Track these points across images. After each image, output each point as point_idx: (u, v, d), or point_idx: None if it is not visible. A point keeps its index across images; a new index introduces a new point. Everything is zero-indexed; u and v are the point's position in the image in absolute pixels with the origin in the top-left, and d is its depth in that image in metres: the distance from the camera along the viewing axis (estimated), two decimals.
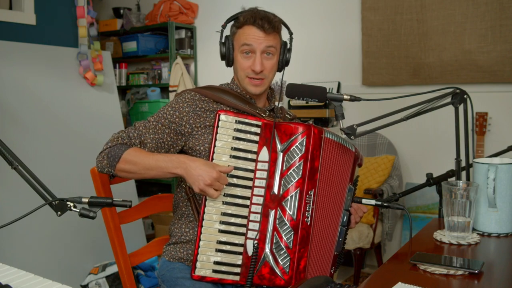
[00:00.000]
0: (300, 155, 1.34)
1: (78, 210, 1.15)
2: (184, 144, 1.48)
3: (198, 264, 1.36)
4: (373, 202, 1.56)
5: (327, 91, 1.50)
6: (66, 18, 3.22)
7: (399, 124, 1.55)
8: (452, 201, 1.37)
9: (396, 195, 1.69)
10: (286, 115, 1.64)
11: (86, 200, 1.18)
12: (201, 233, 1.35)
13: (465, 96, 1.59)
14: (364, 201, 1.55)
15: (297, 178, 1.34)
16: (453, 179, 1.66)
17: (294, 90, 1.52)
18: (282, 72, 1.59)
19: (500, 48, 2.88)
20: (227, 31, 1.56)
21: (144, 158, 1.39)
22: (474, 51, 2.96)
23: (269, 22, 1.47)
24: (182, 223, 1.52)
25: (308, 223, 1.35)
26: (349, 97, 1.47)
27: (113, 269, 2.77)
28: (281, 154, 1.35)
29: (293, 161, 1.34)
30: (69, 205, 1.14)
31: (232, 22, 1.54)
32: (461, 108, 1.60)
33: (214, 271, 1.36)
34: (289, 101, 3.53)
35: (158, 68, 4.38)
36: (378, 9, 3.25)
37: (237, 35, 1.51)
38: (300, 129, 1.35)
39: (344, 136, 1.46)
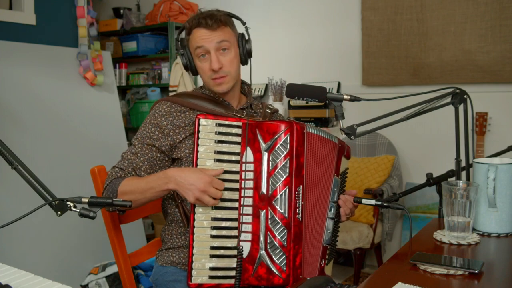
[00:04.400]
0: (285, 153, 1.34)
1: (78, 210, 1.15)
2: (172, 154, 1.49)
3: (194, 272, 1.34)
4: (373, 202, 1.55)
5: (327, 91, 1.50)
6: (66, 18, 3.21)
7: (399, 124, 1.55)
8: (452, 201, 1.37)
9: (396, 195, 1.69)
10: (267, 109, 1.62)
11: (86, 200, 1.18)
12: (193, 240, 1.34)
13: (465, 96, 1.59)
14: (364, 201, 1.54)
15: (284, 176, 1.33)
16: (453, 179, 1.66)
17: (294, 90, 1.52)
18: (250, 66, 1.55)
19: (500, 48, 2.88)
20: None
21: (137, 184, 1.38)
22: (474, 51, 2.96)
23: (211, 18, 1.46)
24: (172, 228, 1.52)
25: (300, 220, 1.35)
26: (349, 97, 1.47)
27: (113, 269, 2.77)
28: (265, 154, 1.35)
29: (279, 160, 1.34)
30: (69, 205, 1.14)
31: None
32: (461, 108, 1.60)
33: (211, 277, 1.35)
34: (289, 101, 3.54)
35: (158, 68, 4.38)
36: (378, 9, 3.25)
37: (190, 42, 1.51)
38: (283, 127, 1.34)
39: (343, 136, 1.46)
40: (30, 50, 2.94)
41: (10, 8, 3.04)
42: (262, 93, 3.80)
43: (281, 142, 1.34)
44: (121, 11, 4.44)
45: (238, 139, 1.38)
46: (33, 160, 2.71)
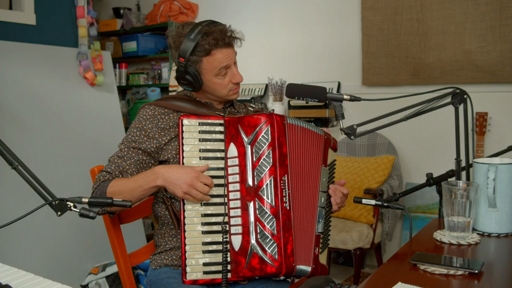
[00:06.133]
0: (267, 144, 1.36)
1: (78, 210, 1.15)
2: (159, 157, 1.51)
3: (188, 269, 1.36)
4: (373, 202, 1.56)
5: (327, 91, 1.50)
6: (66, 18, 3.21)
7: (399, 124, 1.55)
8: (452, 201, 1.37)
9: (396, 195, 1.69)
10: (249, 108, 1.66)
11: (86, 200, 1.18)
12: (185, 238, 1.36)
13: (465, 96, 1.59)
14: (364, 201, 1.55)
15: (268, 167, 1.36)
16: (453, 179, 1.66)
17: (294, 90, 1.52)
18: None
19: (500, 48, 2.88)
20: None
21: (125, 184, 1.40)
22: (474, 51, 2.96)
23: (228, 36, 1.49)
24: (164, 232, 1.54)
25: (288, 208, 1.37)
26: (349, 97, 1.47)
27: (113, 269, 2.77)
28: (248, 147, 1.38)
29: (262, 151, 1.36)
30: (69, 205, 1.14)
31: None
32: (461, 108, 1.60)
33: (205, 272, 1.37)
34: (289, 101, 3.54)
35: (158, 68, 4.38)
36: (378, 9, 3.25)
37: (205, 63, 1.47)
38: (263, 119, 1.37)
39: (343, 136, 1.46)
40: (30, 50, 2.94)
41: (10, 8, 3.04)
42: (262, 93, 3.80)
43: (262, 133, 1.37)
44: (121, 11, 4.45)
45: (222, 136, 1.42)
46: (33, 160, 2.71)
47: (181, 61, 1.48)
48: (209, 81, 1.51)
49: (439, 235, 1.44)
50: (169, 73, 4.10)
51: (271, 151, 1.36)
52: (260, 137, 1.37)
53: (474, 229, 1.49)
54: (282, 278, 1.41)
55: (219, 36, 1.46)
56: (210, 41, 1.45)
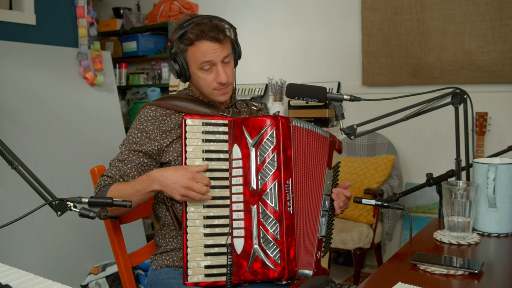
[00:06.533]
0: (272, 147, 1.35)
1: (78, 210, 1.15)
2: (160, 159, 1.50)
3: (189, 271, 1.35)
4: (373, 202, 1.56)
5: (327, 91, 1.50)
6: (66, 18, 3.21)
7: (399, 124, 1.55)
8: (452, 201, 1.37)
9: (396, 195, 1.69)
10: (252, 107, 1.63)
11: (86, 200, 1.18)
12: (187, 240, 1.35)
13: (465, 96, 1.59)
14: (364, 201, 1.54)
15: (273, 170, 1.34)
16: (453, 179, 1.66)
17: (294, 90, 1.52)
18: (235, 67, 1.57)
19: (500, 48, 2.88)
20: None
21: (123, 189, 1.39)
22: (474, 51, 2.96)
23: (219, 31, 1.44)
24: (165, 232, 1.53)
25: (291, 212, 1.36)
26: (349, 97, 1.47)
27: (113, 269, 2.77)
28: (253, 149, 1.36)
29: (266, 154, 1.35)
30: (69, 205, 1.14)
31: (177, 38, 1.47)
32: (461, 108, 1.60)
33: (207, 275, 1.36)
34: (289, 101, 3.54)
35: (158, 68, 4.38)
36: (378, 9, 3.25)
37: (190, 53, 1.46)
38: (268, 122, 1.36)
39: (343, 136, 1.46)
40: (30, 50, 2.94)
41: (10, 8, 3.04)
42: (262, 93, 3.80)
43: (267, 136, 1.35)
44: (121, 11, 4.45)
45: (225, 137, 1.40)
46: (33, 160, 2.71)
47: (168, 46, 1.49)
48: (194, 74, 1.49)
49: (439, 235, 1.44)
50: (169, 73, 4.10)
51: (275, 155, 1.35)
52: (265, 140, 1.35)
53: (474, 229, 1.49)
54: (284, 282, 1.40)
55: (207, 29, 1.43)
56: (196, 32, 1.43)
